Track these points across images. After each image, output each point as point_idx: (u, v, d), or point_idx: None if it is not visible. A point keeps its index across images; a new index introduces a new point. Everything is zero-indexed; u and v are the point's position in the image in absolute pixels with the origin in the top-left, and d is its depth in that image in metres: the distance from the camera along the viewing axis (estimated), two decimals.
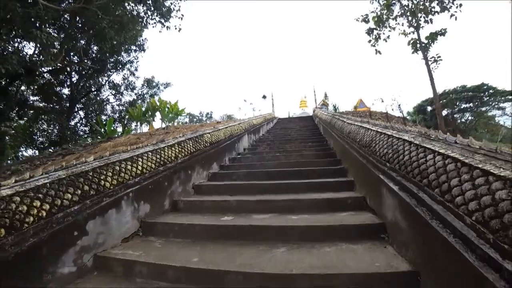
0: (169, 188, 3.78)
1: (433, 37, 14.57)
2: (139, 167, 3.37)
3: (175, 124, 14.18)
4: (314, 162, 5.02)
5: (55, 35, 12.00)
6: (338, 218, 2.79)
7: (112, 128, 16.46)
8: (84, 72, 18.01)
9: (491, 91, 26.45)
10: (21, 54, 11.75)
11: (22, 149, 18.43)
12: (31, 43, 12.85)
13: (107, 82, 18.61)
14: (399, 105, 14.78)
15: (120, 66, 17.58)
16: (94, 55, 17.30)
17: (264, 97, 18.96)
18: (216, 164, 5.33)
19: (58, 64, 14.71)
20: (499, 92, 25.89)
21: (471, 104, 27.89)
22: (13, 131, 17.93)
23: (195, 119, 41.17)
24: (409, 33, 15.10)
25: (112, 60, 17.13)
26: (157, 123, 18.39)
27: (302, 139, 7.92)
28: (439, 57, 14.39)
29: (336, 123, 6.03)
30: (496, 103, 27.09)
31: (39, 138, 18.27)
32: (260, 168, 5.14)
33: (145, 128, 14.93)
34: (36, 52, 13.18)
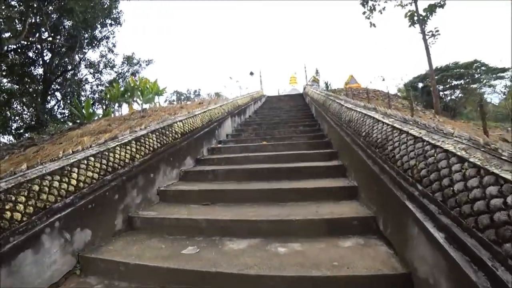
0: (121, 201, 2.85)
1: (431, 9, 13.52)
2: (73, 182, 2.41)
3: (157, 104, 13.05)
4: (306, 155, 4.13)
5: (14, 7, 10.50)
6: (341, 255, 1.93)
7: (91, 111, 15.22)
8: (57, 50, 16.42)
9: (483, 68, 25.81)
10: None
11: None
12: None
13: (83, 60, 17.05)
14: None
15: (96, 42, 16.05)
16: (66, 31, 15.71)
17: (251, 73, 17.74)
18: (190, 158, 4.40)
19: (23, 42, 13.21)
20: (490, 69, 25.25)
21: (462, 81, 27.29)
22: None
23: (182, 97, 39.64)
24: (406, 5, 14.00)
25: (87, 36, 15.57)
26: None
27: (293, 122, 7.01)
28: (437, 31, 13.43)
29: (331, 106, 5.11)
30: (487, 80, 26.55)
31: (14, 124, 16.90)
32: (243, 163, 4.24)
33: (126, 110, 13.76)
34: None
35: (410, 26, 14.05)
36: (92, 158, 2.70)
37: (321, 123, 6.02)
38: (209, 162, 4.47)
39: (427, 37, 13.55)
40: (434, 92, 13.29)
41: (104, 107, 17.16)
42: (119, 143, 3.11)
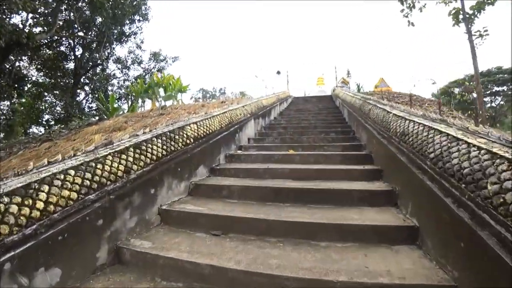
0: (108, 227, 2.21)
1: (480, 6, 12.04)
2: (39, 204, 1.77)
3: (179, 101, 12.62)
4: (342, 172, 3.32)
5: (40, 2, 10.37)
6: None
7: (116, 106, 15.10)
8: (88, 45, 16.47)
9: None
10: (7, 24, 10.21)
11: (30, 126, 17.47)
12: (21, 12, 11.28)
13: (112, 55, 16.99)
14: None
15: (124, 38, 15.88)
16: (97, 27, 15.67)
17: (278, 72, 16.91)
18: (203, 167, 3.73)
19: (55, 37, 13.23)
20: None
21: (505, 88, 25.05)
22: (22, 108, 16.89)
23: (208, 95, 39.47)
24: (451, 1, 12.58)
25: (116, 31, 15.44)
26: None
27: (323, 127, 6.16)
28: (486, 31, 11.91)
29: (371, 111, 4.25)
30: None
31: (45, 116, 17.22)
32: (265, 177, 3.50)
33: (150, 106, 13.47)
34: (28, 22, 11.66)
35: (454, 25, 12.60)
36: (72, 172, 2.07)
37: (357, 131, 5.15)
38: (226, 173, 3.77)
39: (473, 37, 12.08)
40: (479, 99, 11.84)
41: (129, 102, 17.09)
42: (113, 150, 2.47)
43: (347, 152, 4.10)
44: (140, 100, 13.27)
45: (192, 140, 3.53)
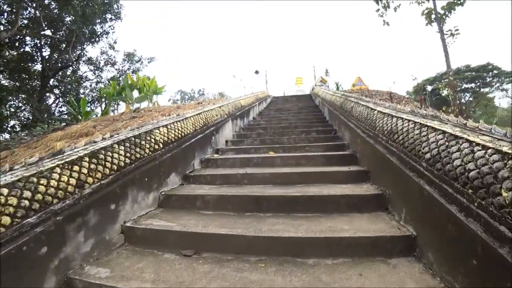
0: (54, 255, 1.80)
1: (450, 7, 12.38)
2: None
3: (155, 104, 12.06)
4: (327, 175, 3.05)
5: None
6: None
7: (89, 109, 14.32)
8: (56, 46, 15.47)
9: (495, 71, 24.60)
10: None
11: None
12: None
13: (83, 56, 16.04)
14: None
15: (96, 38, 15.01)
16: (66, 26, 14.74)
17: (256, 72, 16.61)
18: (175, 175, 3.35)
19: (18, 36, 12.28)
20: (503, 73, 24.04)
21: (473, 85, 26.08)
22: None
23: (186, 97, 38.63)
24: (423, 2, 12.85)
25: (86, 31, 14.57)
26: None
27: (303, 127, 5.92)
28: (457, 30, 12.24)
29: (354, 109, 4.04)
30: (499, 84, 25.34)
31: (11, 121, 16.00)
32: (244, 183, 3.18)
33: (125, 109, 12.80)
34: None
35: (427, 24, 12.92)
36: (5, 191, 1.66)
37: (339, 129, 4.93)
38: (201, 180, 3.41)
39: (445, 36, 12.38)
40: (453, 95, 12.10)
41: (103, 105, 16.23)
42: (62, 161, 2.07)
43: (331, 153, 3.85)
44: (114, 103, 12.60)
45: (161, 145, 3.16)
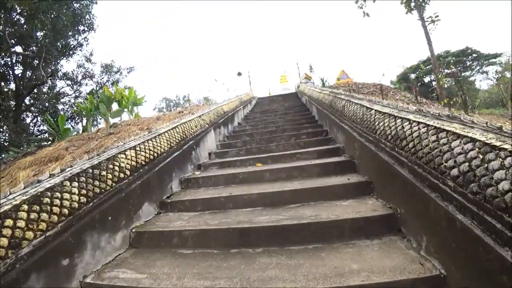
0: None
1: None
2: None
3: (136, 115, 11.45)
4: (325, 191, 2.59)
5: None
6: None
7: (68, 126, 13.62)
8: (29, 62, 14.64)
9: (474, 55, 24.74)
10: None
11: None
12: None
13: (58, 71, 15.22)
14: None
15: (69, 51, 14.23)
16: (37, 41, 13.93)
17: (239, 74, 16.10)
18: (149, 204, 2.84)
19: None
20: (483, 55, 24.18)
21: (454, 70, 26.18)
22: None
23: (171, 104, 37.77)
24: None
25: (59, 44, 13.80)
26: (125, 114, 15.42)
27: (292, 129, 5.47)
28: (437, 16, 12.02)
29: (346, 109, 3.60)
30: (479, 67, 25.53)
31: None
32: (228, 207, 2.70)
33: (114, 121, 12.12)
34: None
35: (407, 13, 12.66)
36: None
37: (331, 131, 4.49)
38: (179, 207, 2.91)
39: (426, 23, 12.14)
40: (438, 83, 11.90)
41: (84, 121, 15.49)
42: None
43: (325, 160, 3.40)
44: (96, 118, 11.95)
45: (128, 173, 2.65)
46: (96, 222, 2.16)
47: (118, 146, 2.86)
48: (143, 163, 2.91)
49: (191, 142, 4.00)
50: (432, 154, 1.65)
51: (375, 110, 2.70)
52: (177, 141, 3.67)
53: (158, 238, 2.38)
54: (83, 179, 2.21)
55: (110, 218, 2.30)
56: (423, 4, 12.23)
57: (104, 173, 2.41)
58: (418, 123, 1.92)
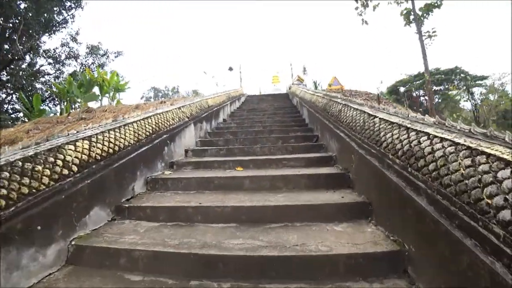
0: None
1: (428, 9, 12.02)
2: None
3: (119, 101, 10.73)
4: (314, 211, 2.13)
5: None
6: None
7: (45, 107, 12.72)
8: (9, 35, 13.58)
9: (462, 75, 25.14)
10: None
11: None
12: None
13: (38, 47, 14.18)
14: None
15: (53, 27, 13.27)
16: (20, 13, 12.92)
17: (230, 69, 15.52)
18: (102, 208, 2.30)
19: None
20: (470, 76, 24.61)
21: (442, 87, 26.56)
22: None
23: (160, 94, 36.62)
24: (402, 2, 12.39)
25: (42, 19, 12.83)
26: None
27: (280, 131, 5.01)
28: (434, 32, 11.90)
29: (342, 114, 3.17)
30: (466, 87, 25.99)
31: None
32: (195, 221, 2.20)
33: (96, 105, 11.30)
34: None
35: (405, 25, 12.47)
36: None
37: (322, 136, 4.06)
38: (138, 214, 2.38)
39: (423, 37, 11.99)
40: (430, 97, 11.79)
41: (64, 103, 14.55)
42: None
43: (314, 170, 2.94)
44: (79, 101, 11.15)
45: (76, 169, 2.11)
46: (16, 233, 1.62)
47: (68, 135, 2.31)
48: (98, 157, 2.37)
49: (164, 136, 3.46)
50: (465, 184, 1.21)
51: (380, 119, 2.26)
52: (148, 133, 3.13)
53: (103, 256, 1.86)
54: (5, 174, 1.67)
55: (39, 227, 1.76)
56: (421, 18, 12.07)
57: (39, 168, 1.86)
58: (442, 139, 1.49)
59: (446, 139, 1.46)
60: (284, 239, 1.79)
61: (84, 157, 2.24)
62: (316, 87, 12.25)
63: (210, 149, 4.02)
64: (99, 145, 2.43)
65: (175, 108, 4.06)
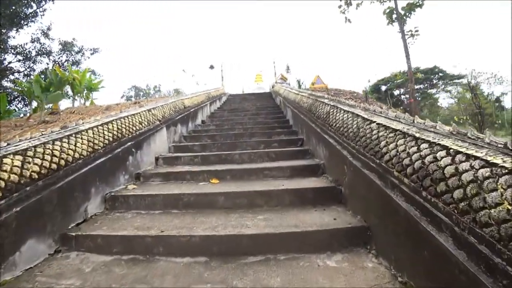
0: None
1: (410, 8, 11.97)
2: None
3: (91, 102, 10.01)
4: (300, 238, 1.73)
5: None
6: None
7: (8, 108, 11.74)
8: None
9: (441, 74, 25.63)
10: None
11: None
12: None
13: (5, 43, 13.10)
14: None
15: (20, 20, 12.26)
16: None
17: (211, 67, 14.96)
18: (37, 241, 1.81)
19: None
20: (448, 75, 25.13)
21: (421, 86, 26.98)
22: None
23: (141, 93, 35.39)
24: (385, 1, 12.26)
25: (8, 11, 11.81)
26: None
27: (262, 134, 4.60)
28: (417, 31, 11.83)
29: (333, 116, 2.79)
30: (444, 86, 26.53)
31: None
32: (155, 253, 1.75)
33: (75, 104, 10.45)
34: None
35: (388, 24, 12.38)
36: None
37: (308, 139, 3.69)
38: (88, 245, 1.90)
39: (406, 36, 11.92)
40: (412, 95, 11.72)
41: (35, 103, 13.56)
42: None
43: (300, 183, 2.54)
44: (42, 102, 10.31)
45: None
46: None
47: None
48: (35, 176, 1.87)
49: (129, 143, 2.97)
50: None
51: (378, 124, 1.89)
52: (107, 142, 2.65)
53: None
54: None
55: None
56: (404, 17, 11.98)
57: None
58: (468, 156, 1.12)
59: (476, 157, 1.09)
60: (264, 284, 1.38)
61: (14, 177, 1.74)
62: (300, 86, 11.92)
63: (183, 156, 3.55)
64: (37, 161, 1.94)
65: (144, 111, 3.56)
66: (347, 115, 2.45)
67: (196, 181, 2.84)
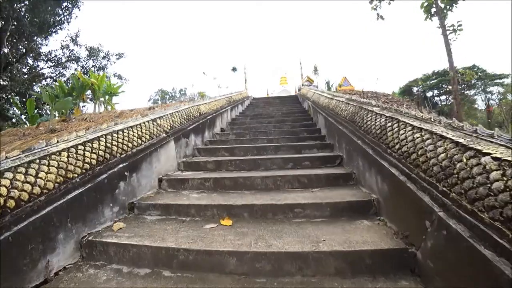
0: None
1: (452, 0, 10.65)
2: None
3: (112, 107, 9.74)
4: None
5: None
6: None
7: (34, 113, 11.81)
8: (8, 38, 12.74)
9: (480, 73, 23.41)
10: None
11: None
12: None
13: (30, 50, 13.26)
14: None
15: (48, 28, 12.35)
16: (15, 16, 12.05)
17: (234, 69, 14.42)
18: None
19: None
20: (489, 75, 22.90)
21: (458, 87, 24.88)
22: None
23: (167, 96, 35.71)
24: None
25: (37, 20, 11.91)
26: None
27: (290, 148, 3.79)
28: (460, 25, 10.47)
29: (392, 133, 1.97)
30: (484, 86, 24.26)
31: None
32: None
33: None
34: None
35: (426, 19, 11.10)
36: None
37: (349, 157, 2.86)
38: None
39: (447, 32, 10.58)
40: (456, 97, 10.37)
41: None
42: None
43: (351, 238, 1.73)
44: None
45: None
46: None
47: None
48: None
49: (120, 166, 2.31)
50: None
51: (494, 158, 1.05)
52: (87, 167, 1.99)
53: None
54: None
55: None
56: (445, 11, 10.67)
57: None
58: None
59: None
60: None
61: None
62: (329, 88, 10.95)
63: (193, 178, 2.82)
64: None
65: (147, 121, 2.91)
66: (422, 135, 1.61)
67: (203, 219, 2.10)
